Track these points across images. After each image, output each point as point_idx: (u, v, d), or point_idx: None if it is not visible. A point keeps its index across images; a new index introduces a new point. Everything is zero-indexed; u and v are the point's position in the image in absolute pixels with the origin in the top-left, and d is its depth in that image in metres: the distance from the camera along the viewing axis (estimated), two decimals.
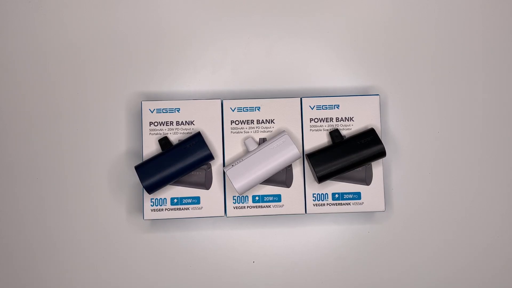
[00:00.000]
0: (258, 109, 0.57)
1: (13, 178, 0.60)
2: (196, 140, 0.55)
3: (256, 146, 0.55)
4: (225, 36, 0.62)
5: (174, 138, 0.56)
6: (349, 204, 0.56)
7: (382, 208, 0.56)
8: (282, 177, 0.56)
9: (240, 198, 0.56)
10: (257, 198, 0.56)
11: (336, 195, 0.56)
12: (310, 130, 0.57)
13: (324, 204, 0.56)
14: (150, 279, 0.59)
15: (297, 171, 0.56)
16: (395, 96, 0.61)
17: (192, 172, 0.56)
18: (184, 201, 0.56)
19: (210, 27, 0.62)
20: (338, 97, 0.57)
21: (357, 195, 0.56)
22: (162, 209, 0.56)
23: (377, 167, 0.57)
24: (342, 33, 0.62)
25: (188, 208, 0.56)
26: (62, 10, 0.62)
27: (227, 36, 0.62)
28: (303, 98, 0.57)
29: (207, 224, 0.60)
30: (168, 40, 0.62)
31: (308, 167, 0.57)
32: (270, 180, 0.56)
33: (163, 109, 0.57)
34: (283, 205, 0.56)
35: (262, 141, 0.56)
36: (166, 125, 0.56)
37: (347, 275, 0.60)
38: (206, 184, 0.56)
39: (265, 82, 0.61)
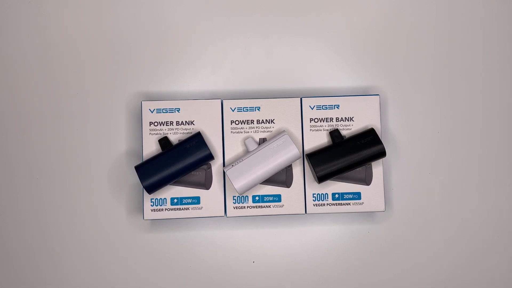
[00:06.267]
0: (258, 109, 0.57)
1: (13, 178, 0.60)
2: (196, 140, 0.55)
3: (256, 146, 0.55)
4: (225, 36, 0.62)
5: (174, 138, 0.56)
6: (349, 204, 0.56)
7: (382, 208, 0.56)
8: (282, 177, 0.56)
9: (240, 198, 0.56)
10: (257, 198, 0.56)
11: (336, 195, 0.56)
12: (310, 130, 0.57)
13: (324, 204, 0.56)
14: (150, 279, 0.59)
15: (297, 171, 0.56)
16: (395, 96, 0.61)
17: (192, 172, 0.56)
18: (184, 201, 0.56)
19: (210, 27, 0.62)
20: (338, 97, 0.57)
21: (357, 195, 0.56)
22: (162, 209, 0.56)
23: (377, 167, 0.57)
24: (342, 33, 0.62)
25: (188, 208, 0.56)
26: (62, 10, 0.62)
27: (227, 36, 0.62)
28: (303, 98, 0.57)
29: (207, 224, 0.60)
30: (168, 40, 0.62)
31: (308, 167, 0.57)
32: (270, 180, 0.56)
33: (163, 109, 0.57)
34: (283, 205, 0.56)
35: (262, 141, 0.56)
36: (166, 125, 0.56)
37: (347, 275, 0.60)
38: (206, 184, 0.56)
39: (265, 82, 0.61)
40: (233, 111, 0.57)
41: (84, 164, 0.60)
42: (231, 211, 0.56)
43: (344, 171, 0.55)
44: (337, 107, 0.57)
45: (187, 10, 0.62)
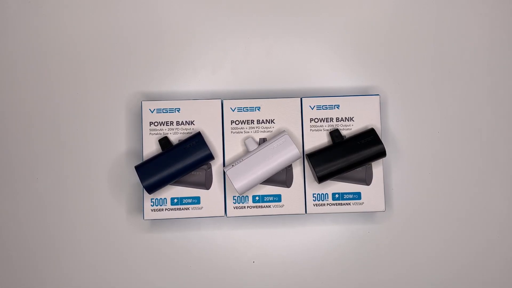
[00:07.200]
0: (258, 109, 0.57)
1: (13, 178, 0.60)
2: (196, 140, 0.55)
3: (256, 146, 0.55)
4: (225, 36, 0.62)
5: (174, 138, 0.56)
6: (349, 204, 0.56)
7: (382, 208, 0.56)
8: (282, 177, 0.56)
9: (240, 198, 0.56)
10: (257, 198, 0.56)
11: (336, 195, 0.56)
12: (310, 130, 0.57)
13: (324, 204, 0.56)
14: (150, 279, 0.59)
15: (297, 171, 0.56)
16: (395, 96, 0.61)
17: (192, 172, 0.56)
18: (184, 201, 0.56)
19: (210, 27, 0.62)
20: (338, 97, 0.57)
21: (357, 195, 0.56)
22: (162, 209, 0.56)
23: (377, 167, 0.57)
24: (342, 33, 0.62)
25: (188, 208, 0.56)
26: (62, 10, 0.62)
27: (227, 36, 0.62)
28: (303, 98, 0.57)
29: (207, 224, 0.60)
30: (168, 40, 0.62)
31: (308, 167, 0.57)
32: (270, 180, 0.56)
33: (163, 109, 0.57)
34: (283, 205, 0.56)
35: (262, 141, 0.56)
36: (166, 125, 0.56)
37: (347, 275, 0.60)
38: (206, 184, 0.56)
39: (265, 82, 0.61)
40: (233, 111, 0.57)
41: (84, 164, 0.60)
42: (231, 211, 0.56)
43: (344, 171, 0.55)
44: (337, 107, 0.57)
45: (187, 10, 0.62)
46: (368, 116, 0.57)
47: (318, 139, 0.57)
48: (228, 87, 0.61)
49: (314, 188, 0.56)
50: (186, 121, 0.57)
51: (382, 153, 0.55)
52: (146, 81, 0.61)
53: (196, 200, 0.56)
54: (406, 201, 0.60)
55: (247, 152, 0.56)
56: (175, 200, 0.56)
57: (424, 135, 0.61)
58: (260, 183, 0.55)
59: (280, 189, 0.56)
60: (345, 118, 0.57)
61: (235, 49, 0.62)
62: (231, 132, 0.57)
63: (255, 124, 0.57)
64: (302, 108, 0.57)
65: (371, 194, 0.56)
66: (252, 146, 0.55)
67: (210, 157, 0.55)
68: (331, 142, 0.56)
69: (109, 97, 0.61)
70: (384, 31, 0.62)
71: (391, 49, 0.62)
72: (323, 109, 0.57)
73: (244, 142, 0.56)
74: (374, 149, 0.55)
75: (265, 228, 0.60)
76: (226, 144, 0.56)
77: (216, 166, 0.56)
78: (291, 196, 0.56)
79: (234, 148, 0.56)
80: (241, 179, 0.53)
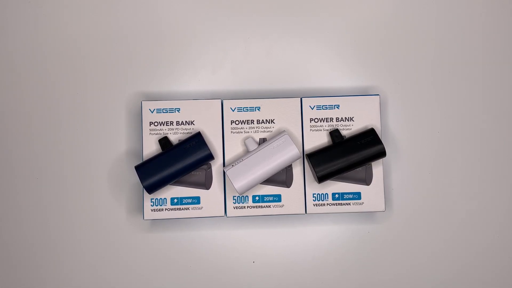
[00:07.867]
0: (258, 109, 0.57)
1: (13, 178, 0.60)
2: (196, 140, 0.55)
3: (256, 146, 0.55)
4: (225, 36, 0.62)
5: (174, 138, 0.56)
6: (349, 204, 0.56)
7: (382, 208, 0.56)
8: (282, 177, 0.56)
9: (240, 198, 0.56)
10: (257, 198, 0.56)
11: (336, 195, 0.56)
12: (310, 130, 0.57)
13: (324, 204, 0.56)
14: (150, 279, 0.59)
15: (297, 171, 0.56)
16: (395, 96, 0.61)
17: (192, 172, 0.56)
18: (184, 201, 0.56)
19: (210, 27, 0.62)
20: (338, 97, 0.57)
21: (357, 195, 0.56)
22: (162, 209, 0.56)
23: (377, 167, 0.57)
24: (342, 33, 0.62)
25: (188, 208, 0.56)
26: (62, 10, 0.62)
27: (227, 36, 0.62)
28: (303, 98, 0.57)
29: (207, 224, 0.60)
30: (168, 40, 0.62)
31: (308, 167, 0.57)
32: (270, 180, 0.56)
33: (163, 109, 0.57)
34: (283, 205, 0.56)
35: (262, 141, 0.56)
36: (166, 125, 0.56)
37: (347, 275, 0.60)
38: (206, 184, 0.56)
39: (265, 82, 0.61)
40: (233, 111, 0.57)
41: (84, 164, 0.60)
42: (231, 211, 0.56)
43: (344, 171, 0.55)
44: (337, 107, 0.57)
45: (187, 10, 0.62)
46: (368, 116, 0.57)
47: (318, 139, 0.57)
48: (228, 87, 0.61)
49: (314, 188, 0.56)
50: (186, 121, 0.57)
51: (382, 153, 0.55)
52: (146, 81, 0.61)
53: (196, 200, 0.56)
54: (406, 201, 0.60)
55: (247, 152, 0.56)
56: (175, 200, 0.56)
57: (424, 135, 0.61)
58: (260, 183, 0.55)
59: (280, 189, 0.56)
60: (345, 118, 0.57)
61: (235, 49, 0.62)
62: (231, 132, 0.57)
63: (255, 124, 0.57)
64: (302, 108, 0.57)
65: (371, 194, 0.56)
66: (252, 146, 0.55)
67: (210, 157, 0.55)
68: (331, 142, 0.56)
69: (109, 97, 0.61)
70: (384, 31, 0.62)
71: (391, 49, 0.62)
72: (323, 109, 0.57)
73: (244, 142, 0.56)
74: (374, 149, 0.55)
75: (265, 228, 0.60)
76: (226, 144, 0.56)
77: (216, 166, 0.56)
78: (291, 196, 0.56)
79: (234, 148, 0.56)
80: (241, 179, 0.53)
